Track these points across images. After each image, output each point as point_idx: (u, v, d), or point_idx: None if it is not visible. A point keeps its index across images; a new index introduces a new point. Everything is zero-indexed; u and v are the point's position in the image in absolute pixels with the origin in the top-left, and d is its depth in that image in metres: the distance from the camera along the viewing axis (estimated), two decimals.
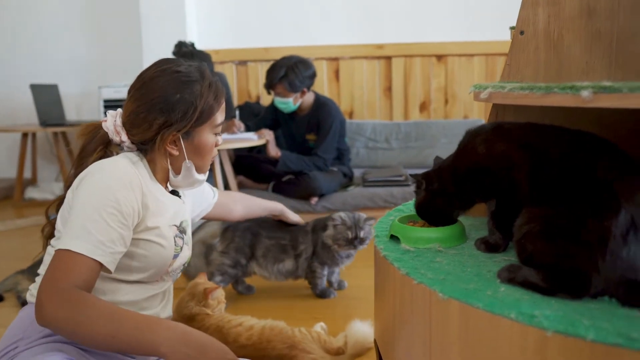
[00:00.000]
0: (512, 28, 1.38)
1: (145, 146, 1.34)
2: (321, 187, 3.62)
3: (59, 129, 4.45)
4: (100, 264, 1.15)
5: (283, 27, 4.56)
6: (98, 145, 1.35)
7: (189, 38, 4.30)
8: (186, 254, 1.46)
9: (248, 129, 3.80)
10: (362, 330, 1.91)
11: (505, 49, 4.58)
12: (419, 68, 4.51)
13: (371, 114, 4.62)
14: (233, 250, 2.44)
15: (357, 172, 4.06)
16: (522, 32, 1.33)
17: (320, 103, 3.78)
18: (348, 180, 3.88)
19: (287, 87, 3.60)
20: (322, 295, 2.52)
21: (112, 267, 1.18)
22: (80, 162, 1.34)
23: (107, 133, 1.35)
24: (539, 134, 1.07)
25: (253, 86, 4.66)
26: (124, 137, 1.33)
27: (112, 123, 1.34)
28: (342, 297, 2.54)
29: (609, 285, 0.88)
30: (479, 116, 4.50)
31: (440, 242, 1.18)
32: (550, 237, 0.94)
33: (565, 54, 1.29)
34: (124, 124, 1.33)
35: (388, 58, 4.52)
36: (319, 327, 1.98)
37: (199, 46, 4.13)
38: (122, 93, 4.38)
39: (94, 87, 4.58)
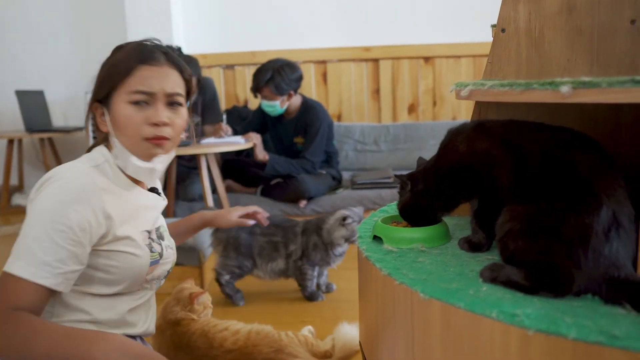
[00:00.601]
0: (493, 26, 1.37)
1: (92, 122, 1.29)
2: (310, 190, 3.61)
3: (45, 135, 4.42)
4: (46, 287, 1.08)
5: (270, 30, 4.55)
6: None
7: (175, 43, 4.28)
8: (170, 259, 1.38)
9: (236, 132, 3.79)
10: (350, 333, 1.90)
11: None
12: (407, 70, 4.50)
13: (359, 116, 4.61)
14: (233, 252, 2.41)
15: (346, 175, 4.05)
16: (503, 30, 1.33)
17: (308, 106, 3.77)
18: (337, 183, 3.87)
19: (274, 90, 3.58)
20: (311, 297, 2.50)
21: (63, 288, 1.11)
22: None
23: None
24: (520, 131, 1.06)
25: (241, 90, 4.64)
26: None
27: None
28: (330, 300, 2.52)
29: (592, 282, 0.87)
30: (467, 117, 4.50)
31: (423, 242, 1.17)
32: (531, 234, 0.92)
33: (547, 51, 1.28)
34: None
35: (375, 60, 4.52)
36: (307, 330, 1.96)
37: (186, 51, 4.11)
38: None
39: (81, 93, 4.55)
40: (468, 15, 4.37)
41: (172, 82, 1.24)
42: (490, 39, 3.99)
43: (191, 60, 3.68)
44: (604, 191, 0.90)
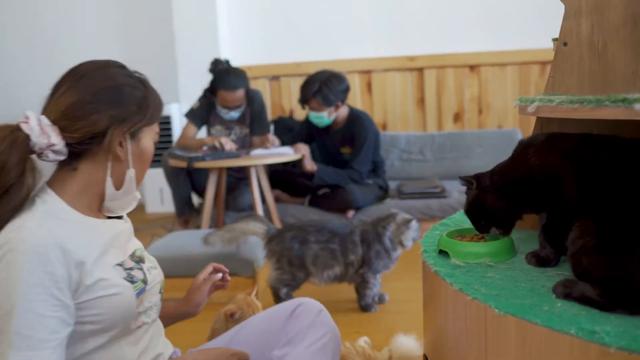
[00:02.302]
0: (554, 40, 1.37)
1: (84, 147, 1.09)
2: (357, 200, 3.63)
3: None
4: None
5: (314, 41, 4.61)
6: (20, 159, 1.04)
7: (222, 55, 4.38)
8: (156, 280, 1.25)
9: (283, 143, 3.84)
10: (407, 344, 1.91)
11: (537, 57, 4.56)
12: (452, 79, 4.49)
13: (404, 125, 4.62)
14: (286, 264, 2.45)
15: (392, 185, 4.06)
16: (565, 44, 1.33)
17: (355, 116, 3.80)
18: (384, 192, 3.89)
19: (321, 102, 3.63)
20: (367, 308, 2.52)
21: (61, 356, 1.03)
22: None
23: (25, 138, 1.05)
24: (590, 145, 1.06)
25: (286, 101, 4.71)
26: (55, 139, 1.05)
27: (37, 123, 1.06)
28: (382, 311, 2.54)
29: None
30: (514, 125, 4.45)
31: (490, 257, 1.18)
32: (605, 251, 0.93)
33: (611, 64, 1.28)
34: (57, 121, 1.07)
35: (420, 70, 4.52)
36: (363, 341, 1.98)
37: (232, 64, 4.20)
38: None
39: None
40: (513, 22, 4.33)
41: None
42: (536, 46, 3.99)
43: (240, 72, 3.77)
44: None
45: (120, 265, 1.14)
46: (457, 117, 4.55)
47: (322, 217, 3.66)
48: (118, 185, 1.15)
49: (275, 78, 4.68)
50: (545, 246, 1.13)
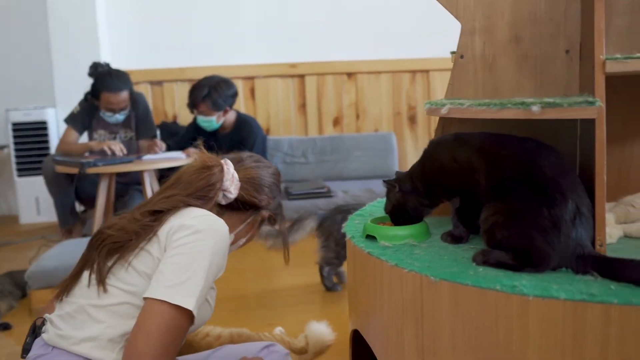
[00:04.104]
0: (453, 53, 1.60)
1: (242, 207, 1.37)
2: None
3: None
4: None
5: (198, 47, 4.64)
6: (216, 187, 1.31)
7: (102, 58, 4.26)
8: None
9: (169, 148, 3.84)
10: (321, 330, 2.06)
11: (408, 66, 4.96)
12: (331, 85, 4.76)
13: (287, 130, 4.80)
14: (333, 242, 2.60)
15: None
16: (462, 56, 1.56)
17: (243, 121, 3.92)
18: None
19: (211, 106, 3.70)
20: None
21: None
22: (200, 197, 1.30)
23: (221, 173, 1.32)
24: (493, 142, 1.29)
25: (169, 106, 4.68)
26: (234, 190, 1.34)
27: (231, 172, 1.35)
28: (285, 305, 2.67)
29: (564, 259, 1.11)
30: (388, 129, 4.81)
31: (413, 238, 1.37)
32: (513, 225, 1.15)
33: (499, 75, 1.53)
34: (241, 181, 1.36)
35: (301, 76, 4.73)
36: (278, 330, 2.10)
37: (113, 67, 4.11)
38: (32, 116, 4.25)
39: (1, 110, 4.39)
40: (387, 34, 4.70)
41: None
42: (408, 56, 4.47)
43: (122, 74, 3.72)
44: (568, 188, 1.14)
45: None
46: (337, 122, 4.82)
47: None
48: (231, 243, 1.36)
49: (158, 83, 4.64)
50: (459, 226, 1.35)
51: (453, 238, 1.35)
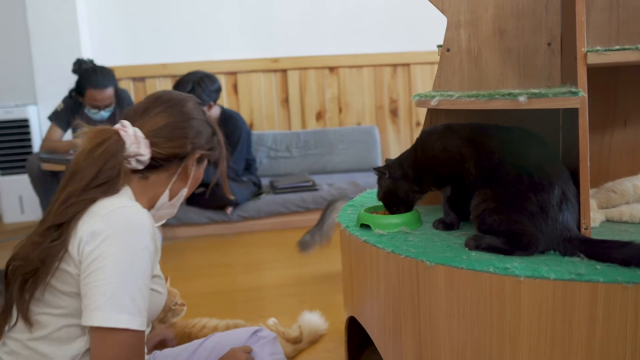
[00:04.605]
0: (439, 46, 1.65)
1: (164, 163, 1.21)
2: (235, 196, 3.76)
3: None
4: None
5: (180, 43, 4.63)
6: (119, 161, 1.15)
7: (83, 55, 4.23)
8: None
9: None
10: (313, 319, 2.12)
11: (389, 60, 5.03)
12: (314, 79, 4.79)
13: (270, 124, 4.83)
14: None
15: (263, 181, 4.24)
16: (448, 50, 1.62)
17: (227, 116, 3.93)
18: (257, 188, 4.06)
19: None
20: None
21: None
22: (101, 184, 1.13)
23: (118, 143, 1.15)
24: (482, 131, 1.34)
25: None
26: (144, 151, 1.17)
27: (133, 133, 1.17)
28: (275, 295, 2.71)
29: (552, 242, 1.17)
30: (370, 122, 4.87)
31: (406, 226, 1.42)
32: (504, 210, 1.21)
33: (484, 67, 1.59)
34: (148, 137, 1.19)
35: (284, 71, 4.76)
36: (272, 321, 2.15)
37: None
38: (13, 114, 4.21)
39: None
40: (368, 28, 4.74)
41: None
42: (389, 50, 4.56)
43: (107, 71, 3.70)
44: (554, 174, 1.20)
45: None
46: (320, 116, 4.86)
47: (201, 215, 3.76)
48: (169, 199, 1.27)
49: (140, 79, 4.63)
50: (450, 214, 1.40)
51: (445, 225, 1.41)
